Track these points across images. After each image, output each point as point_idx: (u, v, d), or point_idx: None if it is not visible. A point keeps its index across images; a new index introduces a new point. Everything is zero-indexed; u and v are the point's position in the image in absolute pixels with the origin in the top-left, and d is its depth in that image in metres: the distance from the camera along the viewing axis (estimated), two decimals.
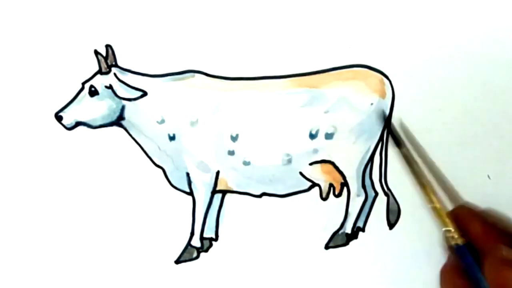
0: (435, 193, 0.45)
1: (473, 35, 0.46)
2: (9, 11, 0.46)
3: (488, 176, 0.48)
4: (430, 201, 0.44)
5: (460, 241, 0.42)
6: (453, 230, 0.42)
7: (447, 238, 0.42)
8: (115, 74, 0.46)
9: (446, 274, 0.44)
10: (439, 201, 0.44)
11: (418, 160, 0.47)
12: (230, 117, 0.47)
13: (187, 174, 0.48)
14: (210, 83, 0.46)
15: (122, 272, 0.49)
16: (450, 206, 0.46)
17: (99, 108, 0.46)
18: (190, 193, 0.48)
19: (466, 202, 0.47)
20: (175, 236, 0.48)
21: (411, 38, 0.46)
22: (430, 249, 0.48)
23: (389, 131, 0.47)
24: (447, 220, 0.43)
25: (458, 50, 0.46)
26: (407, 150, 0.46)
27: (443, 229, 0.42)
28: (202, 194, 0.48)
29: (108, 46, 0.46)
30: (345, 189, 0.48)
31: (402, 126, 0.47)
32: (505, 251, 0.39)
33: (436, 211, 0.44)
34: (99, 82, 0.46)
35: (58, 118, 0.46)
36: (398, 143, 0.46)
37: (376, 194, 0.48)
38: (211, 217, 0.48)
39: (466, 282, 0.42)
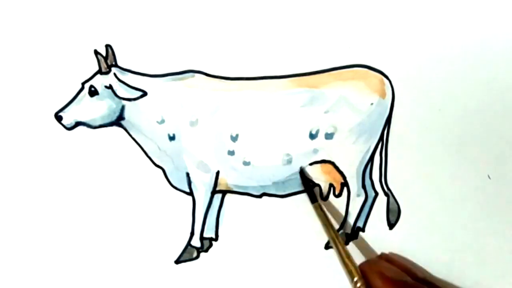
0: (345, 248, 0.45)
1: (473, 35, 0.46)
2: (9, 11, 0.46)
3: (488, 176, 0.48)
4: (343, 257, 0.44)
5: None
6: (359, 284, 0.43)
7: None
8: (115, 74, 0.46)
9: None
10: (349, 255, 0.44)
11: (419, 160, 0.47)
12: (230, 117, 0.47)
13: (187, 174, 0.48)
14: (210, 83, 0.46)
15: (122, 272, 0.49)
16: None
17: (99, 108, 0.46)
18: (190, 193, 0.48)
19: (382, 253, 0.48)
20: (175, 236, 0.48)
21: (411, 38, 0.46)
22: (430, 249, 0.48)
23: (305, 185, 0.47)
24: (355, 273, 0.43)
25: (458, 50, 0.46)
26: (320, 205, 0.47)
27: (352, 283, 0.43)
28: (202, 194, 0.48)
29: (108, 46, 0.46)
30: (345, 189, 0.48)
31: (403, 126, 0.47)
32: None
33: (346, 265, 0.44)
34: (99, 82, 0.46)
35: (58, 118, 0.46)
36: (313, 199, 0.47)
37: (376, 194, 0.48)
38: (211, 217, 0.48)
39: None
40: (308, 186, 0.47)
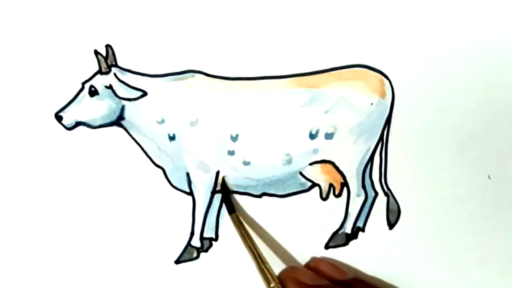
0: (262, 255, 0.45)
1: (473, 35, 0.46)
2: (9, 11, 0.46)
3: (488, 176, 0.48)
4: (259, 263, 0.45)
5: None
6: (273, 284, 0.43)
7: None
8: (115, 74, 0.46)
9: None
10: (266, 262, 0.45)
11: (419, 160, 0.47)
12: (230, 117, 0.47)
13: (187, 174, 0.48)
14: (210, 83, 0.46)
15: (122, 272, 0.49)
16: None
17: (99, 108, 0.46)
18: (190, 193, 0.48)
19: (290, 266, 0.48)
20: (175, 236, 0.48)
21: (411, 38, 0.46)
22: (430, 249, 0.49)
23: (224, 195, 0.47)
24: (272, 279, 0.44)
25: (458, 50, 0.46)
26: (237, 216, 0.47)
27: (271, 285, 0.43)
28: (202, 194, 0.48)
29: (108, 46, 0.46)
30: (345, 189, 0.48)
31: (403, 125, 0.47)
32: None
33: (263, 271, 0.44)
34: (99, 82, 0.46)
35: (58, 118, 0.46)
36: (230, 209, 0.47)
37: (376, 194, 0.48)
38: (211, 217, 0.48)
39: None
40: (227, 196, 0.48)
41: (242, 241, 0.46)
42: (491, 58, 0.47)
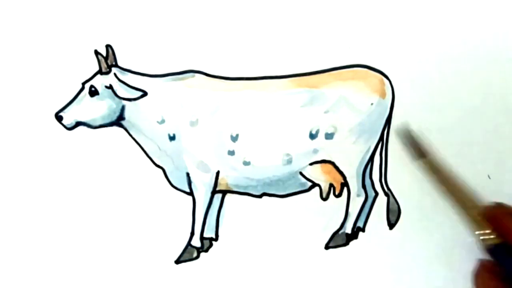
0: (465, 196, 0.43)
1: (473, 35, 0.46)
2: (9, 11, 0.46)
3: (488, 176, 0.48)
4: (462, 205, 0.42)
5: (496, 241, 0.40)
6: (488, 230, 0.40)
7: (482, 240, 0.40)
8: (115, 74, 0.46)
9: (480, 277, 0.42)
10: (472, 202, 0.42)
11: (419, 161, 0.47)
12: (230, 117, 0.47)
13: (187, 174, 0.48)
14: (210, 83, 0.46)
15: (122, 272, 0.49)
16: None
17: (99, 108, 0.46)
18: (190, 193, 0.48)
19: (496, 202, 0.44)
20: (175, 236, 0.48)
21: (411, 38, 0.46)
22: (430, 249, 0.48)
23: (411, 143, 0.45)
24: (481, 221, 0.41)
25: (458, 50, 0.46)
26: (432, 159, 0.45)
27: (477, 232, 0.41)
28: (202, 194, 0.48)
29: (108, 46, 0.46)
30: (345, 189, 0.48)
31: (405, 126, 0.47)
32: None
33: (469, 213, 0.42)
34: (99, 82, 0.46)
35: (58, 118, 0.46)
36: (422, 154, 0.45)
37: (376, 194, 0.48)
38: (211, 217, 0.48)
39: (503, 284, 0.40)
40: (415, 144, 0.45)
41: (442, 186, 0.43)
42: (491, 58, 0.47)
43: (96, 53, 0.46)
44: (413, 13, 0.46)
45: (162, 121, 0.47)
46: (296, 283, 0.49)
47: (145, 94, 0.46)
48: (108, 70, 0.46)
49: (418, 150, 0.45)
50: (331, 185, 0.48)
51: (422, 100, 0.47)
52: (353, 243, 0.49)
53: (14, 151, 0.47)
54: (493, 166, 0.48)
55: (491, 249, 0.40)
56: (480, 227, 0.41)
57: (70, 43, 0.46)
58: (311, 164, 0.48)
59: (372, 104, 0.47)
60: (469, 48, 0.46)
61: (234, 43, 0.46)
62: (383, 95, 0.47)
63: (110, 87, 0.46)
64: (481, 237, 0.41)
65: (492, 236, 0.41)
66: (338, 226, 0.49)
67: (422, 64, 0.46)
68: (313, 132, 0.47)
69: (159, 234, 0.48)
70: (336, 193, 0.48)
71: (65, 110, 0.46)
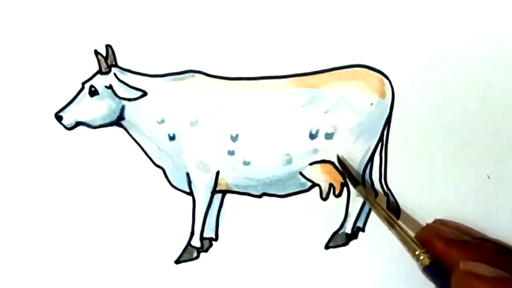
0: (397, 223, 0.44)
1: (473, 35, 0.46)
2: (9, 11, 0.46)
3: (488, 176, 0.48)
4: (398, 232, 0.44)
5: (426, 261, 0.41)
6: (418, 251, 0.42)
7: (417, 260, 0.42)
8: (115, 74, 0.46)
9: None
10: (403, 228, 0.44)
11: (419, 160, 0.47)
12: (230, 117, 0.47)
13: (187, 174, 0.48)
14: (210, 83, 0.46)
15: (122, 272, 0.49)
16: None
17: (99, 108, 0.46)
18: (190, 193, 0.48)
19: (436, 219, 0.47)
20: (175, 236, 0.48)
21: (411, 38, 0.46)
22: None
23: (344, 171, 0.47)
24: (414, 244, 0.43)
25: (458, 50, 0.46)
26: (363, 188, 0.47)
27: (414, 253, 0.42)
28: (202, 194, 0.48)
29: (108, 46, 0.46)
30: (345, 189, 0.48)
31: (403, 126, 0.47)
32: (462, 265, 0.39)
33: (403, 239, 0.43)
34: (99, 82, 0.46)
35: (58, 118, 0.46)
36: (356, 181, 0.47)
37: (376, 194, 0.48)
38: (211, 217, 0.48)
39: None
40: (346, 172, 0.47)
41: (377, 214, 0.45)
42: (491, 58, 0.47)
43: (96, 53, 0.46)
44: (413, 13, 0.46)
45: (162, 121, 0.47)
46: (296, 283, 0.49)
47: (145, 94, 0.46)
48: (108, 70, 0.46)
49: (351, 178, 0.47)
50: (331, 185, 0.48)
51: (422, 100, 0.47)
52: (353, 243, 0.49)
53: (14, 151, 0.47)
54: (493, 166, 0.48)
55: (423, 269, 0.42)
56: (417, 248, 0.42)
57: (70, 43, 0.46)
58: (311, 164, 0.48)
59: (372, 104, 0.47)
60: (469, 48, 0.46)
61: (234, 43, 0.46)
62: (383, 95, 0.47)
63: (110, 87, 0.46)
64: (416, 257, 0.42)
65: (422, 257, 0.42)
66: (338, 226, 0.49)
67: (422, 64, 0.46)
68: (313, 132, 0.47)
69: (159, 234, 0.48)
70: (336, 193, 0.48)
71: (65, 110, 0.46)
